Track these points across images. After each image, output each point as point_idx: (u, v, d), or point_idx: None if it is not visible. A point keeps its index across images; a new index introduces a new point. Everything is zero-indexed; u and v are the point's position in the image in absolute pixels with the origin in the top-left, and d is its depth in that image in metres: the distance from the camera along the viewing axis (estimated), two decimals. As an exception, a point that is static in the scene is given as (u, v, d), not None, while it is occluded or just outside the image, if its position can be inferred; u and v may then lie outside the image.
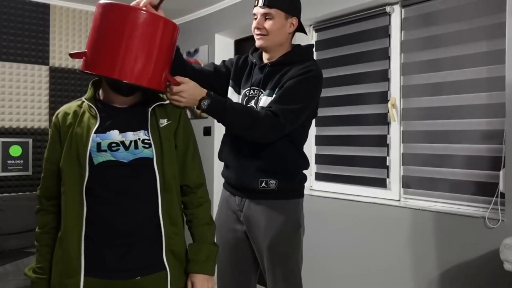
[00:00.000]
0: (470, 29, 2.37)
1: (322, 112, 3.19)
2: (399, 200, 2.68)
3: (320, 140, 3.20)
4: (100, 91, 1.48)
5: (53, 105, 4.01)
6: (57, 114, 1.46)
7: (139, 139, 1.40)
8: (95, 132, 1.38)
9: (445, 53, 2.47)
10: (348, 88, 2.99)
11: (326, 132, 3.15)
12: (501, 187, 2.13)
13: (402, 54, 2.68)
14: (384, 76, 2.78)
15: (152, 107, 1.45)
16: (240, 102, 1.92)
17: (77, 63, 4.14)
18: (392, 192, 2.73)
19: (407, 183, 2.66)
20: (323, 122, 3.17)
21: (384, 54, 2.77)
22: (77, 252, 1.35)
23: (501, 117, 2.19)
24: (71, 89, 4.11)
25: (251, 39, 3.72)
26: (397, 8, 2.70)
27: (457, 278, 2.29)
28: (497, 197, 2.17)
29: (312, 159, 3.25)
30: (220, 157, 2.00)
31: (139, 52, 1.34)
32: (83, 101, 1.46)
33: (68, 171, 1.38)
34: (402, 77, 2.68)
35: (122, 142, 1.39)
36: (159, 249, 1.40)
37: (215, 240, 1.58)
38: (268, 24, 1.81)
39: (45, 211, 1.46)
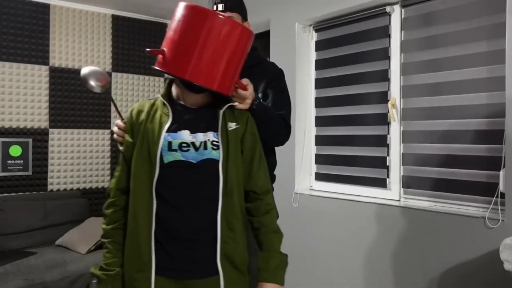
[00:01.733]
0: (470, 29, 2.37)
1: (322, 112, 3.19)
2: (399, 200, 2.68)
3: (320, 140, 3.20)
4: (173, 89, 1.51)
5: (53, 105, 4.02)
6: (132, 110, 1.51)
7: (208, 140, 1.42)
8: (167, 131, 1.41)
9: (445, 53, 2.47)
10: (348, 88, 2.99)
11: (326, 132, 3.15)
12: (501, 187, 2.13)
13: (402, 54, 2.68)
14: (384, 76, 2.78)
15: (223, 109, 1.46)
16: None
17: (77, 63, 4.14)
18: (392, 192, 2.73)
19: (407, 183, 2.66)
20: (323, 122, 3.17)
21: (384, 54, 2.77)
22: (147, 248, 1.39)
23: (501, 117, 2.19)
24: (71, 89, 4.11)
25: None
26: (397, 8, 2.70)
27: (457, 278, 2.29)
28: (497, 197, 2.17)
29: (312, 159, 3.25)
30: None
31: (214, 57, 1.36)
32: (156, 99, 1.51)
33: (139, 167, 1.42)
34: (402, 77, 2.68)
35: (193, 143, 1.41)
36: (215, 253, 1.41)
37: None
38: None
39: (117, 206, 1.47)
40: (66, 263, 3.21)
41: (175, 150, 1.40)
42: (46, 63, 3.99)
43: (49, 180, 4.03)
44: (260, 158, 1.52)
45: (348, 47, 3.00)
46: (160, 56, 1.39)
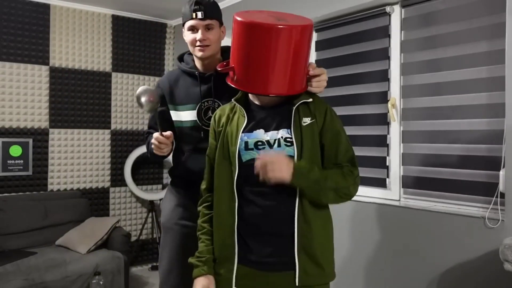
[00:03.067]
0: (470, 29, 2.37)
1: (322, 112, 3.19)
2: (399, 200, 2.68)
3: (320, 140, 3.20)
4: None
5: (53, 105, 4.02)
6: (214, 115, 1.63)
7: (282, 137, 1.47)
8: (243, 132, 1.49)
9: (445, 53, 2.47)
10: (348, 88, 2.99)
11: (326, 132, 3.15)
12: (501, 187, 2.13)
13: (402, 54, 2.68)
14: (384, 76, 2.78)
15: (296, 106, 1.49)
16: (195, 115, 1.92)
17: (77, 63, 4.14)
18: (392, 192, 2.73)
19: (407, 183, 2.66)
20: (323, 122, 3.17)
21: (384, 54, 2.77)
22: (231, 240, 1.49)
23: (501, 117, 2.19)
24: (71, 89, 4.11)
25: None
26: (397, 8, 2.70)
27: (457, 278, 2.29)
28: (497, 197, 2.17)
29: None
30: (185, 167, 1.99)
31: (281, 65, 1.40)
32: (235, 103, 1.58)
33: (221, 167, 1.52)
34: (402, 77, 2.68)
35: (267, 141, 1.47)
36: (293, 247, 1.45)
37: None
38: (210, 34, 1.86)
39: (208, 202, 1.60)
40: (66, 263, 3.21)
41: (252, 149, 1.47)
42: (46, 63, 3.99)
43: (49, 180, 4.03)
44: (346, 147, 1.50)
45: (348, 47, 3.00)
46: (231, 72, 1.47)
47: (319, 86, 1.54)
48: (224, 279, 1.50)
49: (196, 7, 1.81)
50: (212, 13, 1.85)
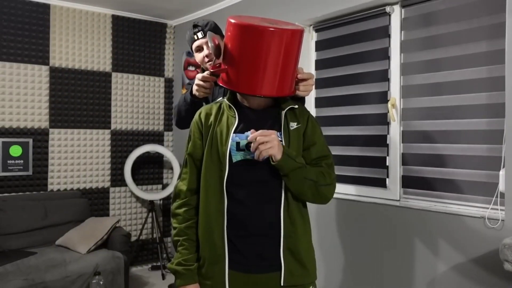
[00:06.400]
0: (470, 29, 2.37)
1: (322, 112, 3.19)
2: (399, 200, 2.68)
3: (320, 140, 3.19)
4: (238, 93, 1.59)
5: (53, 105, 4.02)
6: (199, 114, 1.59)
7: None
8: (234, 132, 1.50)
9: (445, 53, 2.47)
10: (348, 88, 2.99)
11: (326, 132, 3.15)
12: (501, 187, 2.13)
13: (402, 54, 2.68)
14: (384, 76, 2.78)
15: (285, 110, 1.53)
16: None
17: (77, 63, 4.14)
18: (392, 192, 2.73)
19: (407, 183, 2.66)
20: (323, 122, 3.17)
21: (384, 54, 2.77)
22: (221, 242, 1.48)
23: (501, 117, 2.19)
24: (71, 89, 4.12)
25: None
26: (397, 8, 2.70)
27: (457, 278, 2.29)
28: (497, 197, 2.17)
29: (312, 159, 3.24)
30: None
31: (272, 68, 1.43)
32: (221, 102, 1.59)
33: (210, 167, 1.50)
34: (402, 77, 2.68)
35: None
36: (279, 248, 1.48)
37: None
38: None
39: (189, 205, 1.55)
40: (66, 263, 3.21)
41: (243, 150, 1.48)
42: (46, 63, 3.99)
43: (49, 180, 4.03)
44: (325, 153, 1.56)
45: (348, 47, 3.00)
46: (224, 74, 1.50)
47: (306, 89, 1.61)
48: (217, 283, 1.48)
49: (195, 29, 2.07)
50: (210, 30, 2.01)
